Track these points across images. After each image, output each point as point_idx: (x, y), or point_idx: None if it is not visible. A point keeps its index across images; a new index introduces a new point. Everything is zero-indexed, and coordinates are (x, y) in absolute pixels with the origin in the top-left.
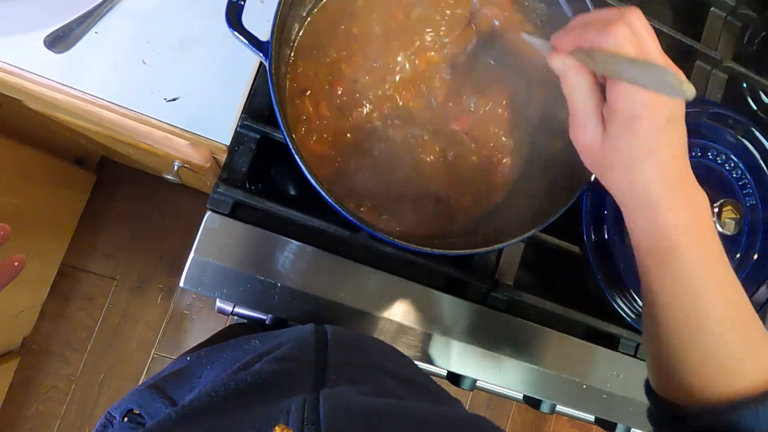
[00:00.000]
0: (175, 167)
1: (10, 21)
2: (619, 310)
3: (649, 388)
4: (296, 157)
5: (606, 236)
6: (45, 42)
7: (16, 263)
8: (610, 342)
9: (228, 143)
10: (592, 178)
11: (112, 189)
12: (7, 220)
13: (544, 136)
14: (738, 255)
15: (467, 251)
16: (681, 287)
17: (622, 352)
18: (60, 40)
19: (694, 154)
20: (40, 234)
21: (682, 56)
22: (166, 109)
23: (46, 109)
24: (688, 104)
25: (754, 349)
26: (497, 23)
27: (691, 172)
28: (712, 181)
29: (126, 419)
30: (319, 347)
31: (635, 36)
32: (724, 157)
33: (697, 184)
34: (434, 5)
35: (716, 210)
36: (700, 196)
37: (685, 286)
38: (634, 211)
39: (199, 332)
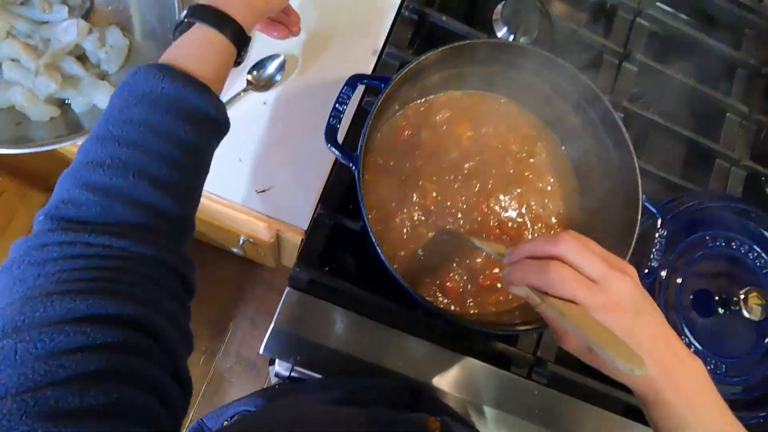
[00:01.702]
0: (241, 241)
1: None
2: None
3: None
4: (382, 257)
5: None
6: None
7: None
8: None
9: (305, 228)
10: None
11: None
12: None
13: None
14: (766, 340)
15: (510, 331)
16: None
17: None
18: None
19: (718, 244)
20: None
21: (702, 157)
22: (257, 199)
23: None
24: (712, 199)
25: None
26: None
27: (681, 344)
28: (737, 269)
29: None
30: (414, 397)
31: (569, 271)
32: (747, 247)
33: (690, 353)
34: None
35: (742, 297)
36: (696, 366)
37: None
38: (637, 391)
39: (237, 394)
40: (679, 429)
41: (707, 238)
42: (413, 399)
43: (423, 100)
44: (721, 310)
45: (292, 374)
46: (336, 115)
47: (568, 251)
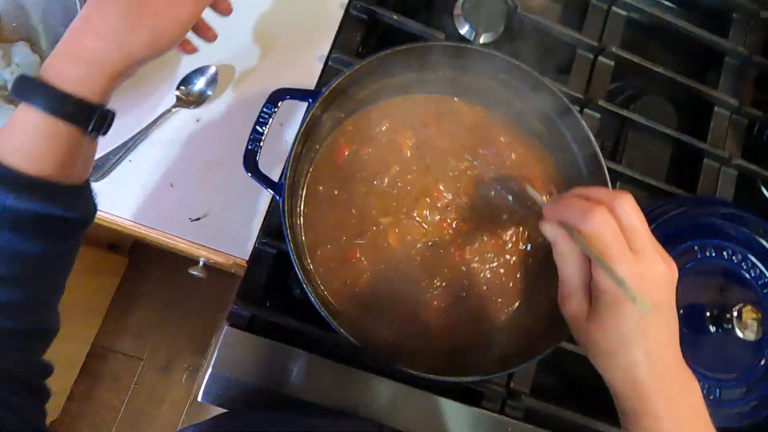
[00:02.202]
0: (201, 263)
1: None
2: None
3: None
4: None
5: None
6: None
7: None
8: None
9: (247, 258)
10: None
11: (143, 270)
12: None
13: None
14: (763, 361)
15: (478, 378)
16: None
17: None
18: (97, 170)
19: (708, 254)
20: (74, 318)
21: (688, 157)
22: (191, 228)
23: None
24: (700, 204)
25: None
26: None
27: (680, 357)
28: (730, 281)
29: None
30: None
31: (615, 225)
32: (740, 256)
33: (688, 369)
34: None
35: (735, 314)
36: (691, 383)
37: None
38: (621, 393)
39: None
40: (634, 414)
41: (696, 248)
42: None
43: (362, 110)
44: (713, 328)
45: None
46: (255, 138)
47: (621, 205)
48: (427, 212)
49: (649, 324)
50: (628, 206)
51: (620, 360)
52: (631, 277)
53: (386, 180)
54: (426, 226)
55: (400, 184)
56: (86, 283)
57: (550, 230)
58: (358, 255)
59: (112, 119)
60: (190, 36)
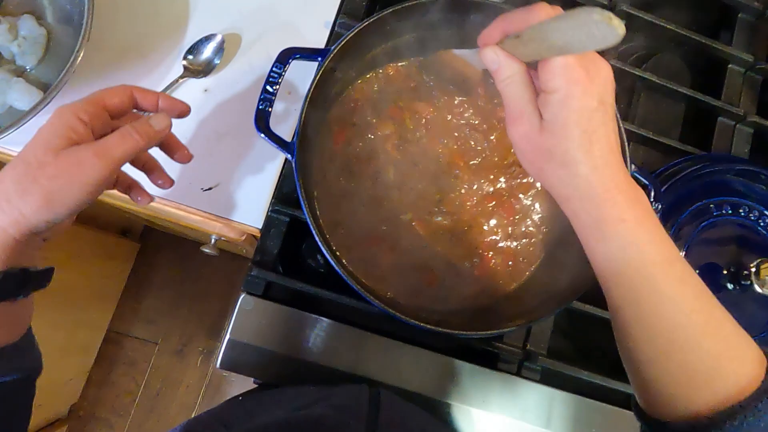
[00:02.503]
0: (213, 240)
1: None
2: None
3: (637, 407)
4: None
5: None
6: None
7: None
8: None
9: (260, 227)
10: None
11: (154, 256)
12: (59, 295)
13: None
14: None
15: (495, 332)
16: (646, 299)
17: None
18: None
19: (724, 212)
20: (89, 304)
21: (702, 116)
22: (203, 198)
23: None
24: (714, 162)
25: (733, 350)
26: None
27: (624, 167)
28: (746, 239)
29: None
30: (372, 405)
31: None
32: (757, 213)
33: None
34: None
35: (753, 270)
36: (639, 191)
37: (650, 297)
38: (577, 203)
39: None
40: (621, 253)
41: (711, 206)
42: (373, 410)
43: (373, 73)
44: (730, 286)
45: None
46: (266, 98)
47: (542, 5)
48: (444, 174)
49: (598, 120)
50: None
51: (574, 164)
52: (576, 67)
53: (401, 145)
54: (443, 189)
55: (414, 150)
56: (99, 270)
57: (492, 54)
58: (376, 218)
59: (34, 276)
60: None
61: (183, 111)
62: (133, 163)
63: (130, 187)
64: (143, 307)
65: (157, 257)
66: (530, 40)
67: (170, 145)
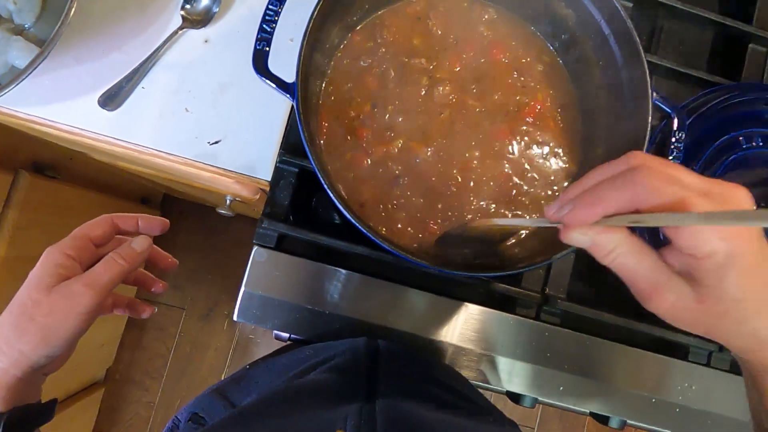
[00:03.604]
0: (228, 201)
1: (66, 86)
2: None
3: None
4: (331, 194)
5: (662, 237)
6: (99, 102)
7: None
8: (679, 352)
9: (269, 179)
10: None
11: (175, 223)
12: None
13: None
14: None
15: (511, 271)
16: None
17: (693, 362)
18: (111, 99)
19: (754, 144)
20: None
21: (733, 44)
22: (210, 152)
23: (109, 159)
24: (744, 92)
25: None
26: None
27: None
28: None
29: (190, 421)
30: (372, 358)
31: (664, 174)
32: None
33: None
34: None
35: None
36: None
37: None
38: (760, 353)
39: (264, 355)
40: None
41: (740, 138)
42: (372, 363)
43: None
44: None
45: (292, 336)
46: (263, 37)
47: (649, 160)
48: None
49: (757, 264)
50: (645, 156)
51: (750, 323)
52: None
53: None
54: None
55: (424, 93)
56: None
57: (579, 237)
58: (389, 163)
59: (37, 412)
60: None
61: (163, 227)
62: (125, 282)
63: (128, 305)
64: (168, 273)
65: (178, 225)
66: (655, 220)
67: (155, 258)
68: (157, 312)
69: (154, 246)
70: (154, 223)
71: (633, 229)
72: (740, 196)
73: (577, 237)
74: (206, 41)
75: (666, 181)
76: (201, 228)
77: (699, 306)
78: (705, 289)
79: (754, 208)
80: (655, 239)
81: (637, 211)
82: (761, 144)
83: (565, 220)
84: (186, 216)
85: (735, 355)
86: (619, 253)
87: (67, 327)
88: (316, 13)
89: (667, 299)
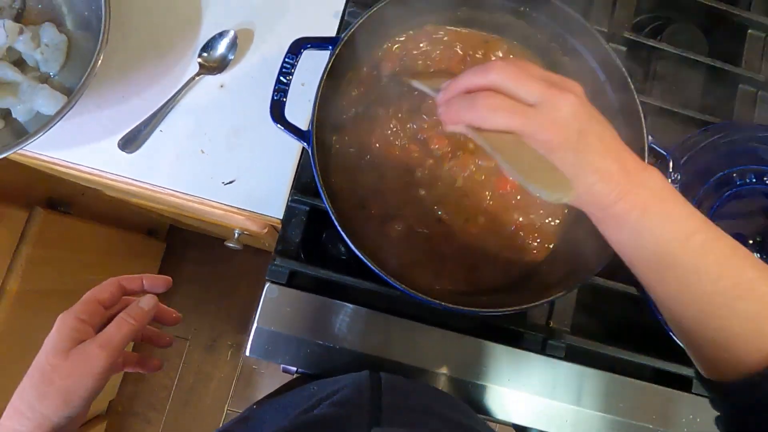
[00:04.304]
0: (236, 235)
1: (88, 130)
2: None
3: (699, 376)
4: (343, 234)
5: None
6: (119, 145)
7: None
8: (682, 384)
9: (281, 217)
10: None
11: (180, 254)
12: None
13: None
14: None
15: (516, 308)
16: (670, 276)
17: (696, 394)
18: (131, 142)
19: (748, 180)
20: None
21: (723, 84)
22: (224, 192)
23: (122, 196)
24: (736, 130)
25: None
26: None
27: (627, 152)
28: None
29: None
30: (374, 391)
31: (503, 95)
32: None
33: (639, 160)
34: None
35: None
36: (648, 172)
37: (673, 273)
38: (596, 214)
39: (268, 386)
40: (635, 238)
41: (734, 175)
42: (375, 396)
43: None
44: (757, 255)
45: (299, 369)
46: (280, 88)
47: (500, 79)
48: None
49: (585, 149)
50: (504, 72)
51: (582, 186)
52: (544, 127)
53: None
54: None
55: (429, 134)
56: (127, 269)
57: (456, 128)
58: (394, 204)
59: None
60: None
61: (166, 285)
62: (134, 339)
63: (138, 362)
64: (172, 304)
65: (184, 256)
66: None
67: (160, 315)
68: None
69: (159, 303)
70: (158, 281)
71: None
72: (561, 105)
73: (453, 128)
74: (222, 86)
75: (498, 109)
76: (205, 258)
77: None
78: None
79: (575, 111)
80: None
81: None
82: (754, 180)
83: (441, 119)
84: (190, 246)
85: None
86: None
87: (86, 387)
88: (326, 73)
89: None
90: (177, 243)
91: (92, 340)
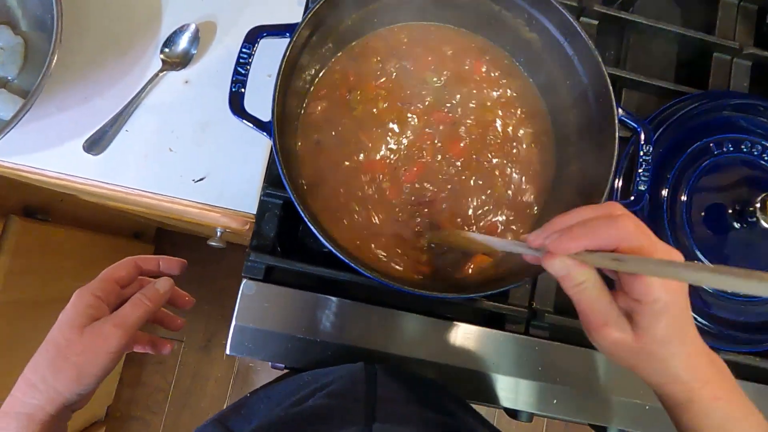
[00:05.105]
0: (218, 233)
1: (51, 134)
2: None
3: None
4: (309, 223)
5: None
6: (84, 147)
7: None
8: None
9: (254, 212)
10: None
11: (169, 255)
12: None
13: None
14: None
15: (492, 291)
16: None
17: None
18: (96, 143)
19: (725, 149)
20: None
21: (697, 53)
22: (195, 189)
23: (99, 200)
24: (712, 98)
25: None
26: None
27: (703, 343)
28: (750, 175)
29: None
30: (369, 383)
31: (642, 225)
32: (759, 147)
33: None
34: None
35: (758, 205)
36: (720, 362)
37: None
38: (671, 387)
39: (265, 382)
40: (726, 424)
41: (711, 145)
42: (370, 388)
43: (350, 44)
44: (737, 224)
45: (287, 366)
46: (237, 79)
47: (628, 214)
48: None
49: (688, 314)
50: (624, 210)
51: (672, 363)
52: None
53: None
54: (427, 157)
55: (398, 123)
56: None
57: (560, 264)
58: (360, 193)
59: None
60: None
61: (182, 267)
62: (147, 320)
63: (149, 342)
64: (164, 306)
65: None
66: (630, 264)
67: (173, 298)
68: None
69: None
70: (173, 263)
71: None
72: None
73: (557, 264)
74: (186, 82)
75: (643, 231)
76: (195, 259)
77: (634, 344)
78: (642, 330)
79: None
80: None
81: (614, 251)
82: (731, 149)
83: (550, 247)
84: (180, 248)
85: (654, 391)
86: (586, 287)
87: (99, 365)
88: (284, 61)
89: (612, 334)
90: (165, 245)
91: (107, 318)
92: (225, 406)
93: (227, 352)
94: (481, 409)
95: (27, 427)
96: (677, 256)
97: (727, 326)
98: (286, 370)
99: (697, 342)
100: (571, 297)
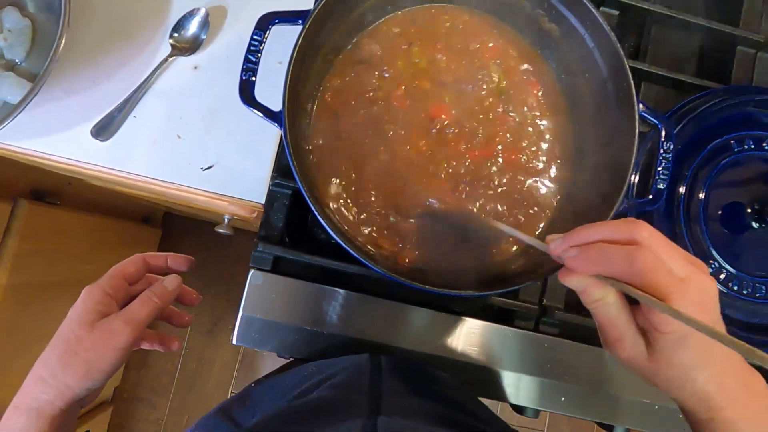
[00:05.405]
0: (226, 220)
1: (58, 118)
2: None
3: None
4: (320, 219)
5: None
6: (91, 133)
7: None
8: None
9: (263, 201)
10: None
11: (177, 240)
12: (85, 285)
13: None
14: None
15: (506, 289)
16: None
17: None
18: (104, 129)
19: (746, 147)
20: None
21: (720, 46)
22: (204, 177)
23: (107, 185)
24: (734, 94)
25: None
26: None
27: (740, 357)
28: None
29: None
30: (374, 375)
31: (659, 262)
32: None
33: (748, 364)
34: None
35: None
36: (753, 374)
37: None
38: (695, 404)
39: (270, 369)
40: (716, 422)
41: (732, 142)
42: (375, 380)
43: (364, 30)
44: (755, 224)
45: (293, 356)
46: (248, 67)
47: (652, 239)
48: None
49: (715, 344)
50: (655, 234)
51: (691, 384)
52: (692, 308)
53: (395, 101)
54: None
55: (410, 104)
56: (122, 257)
57: (576, 282)
58: (371, 185)
59: None
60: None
61: (189, 264)
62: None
63: (157, 339)
64: (171, 303)
65: (180, 242)
66: (640, 297)
67: (181, 295)
68: (161, 329)
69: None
70: (181, 260)
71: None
72: (708, 287)
73: (574, 281)
74: (196, 68)
75: (658, 269)
76: (203, 243)
77: (648, 364)
78: (657, 353)
79: (717, 296)
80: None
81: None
82: (752, 146)
83: (568, 265)
84: (188, 232)
85: (677, 403)
86: (604, 303)
87: (108, 361)
88: (296, 49)
89: (627, 350)
90: (173, 229)
91: (117, 315)
92: (230, 390)
93: (234, 342)
94: (486, 403)
95: (37, 421)
96: (694, 294)
97: (740, 328)
98: (291, 359)
99: (726, 361)
100: (589, 310)
